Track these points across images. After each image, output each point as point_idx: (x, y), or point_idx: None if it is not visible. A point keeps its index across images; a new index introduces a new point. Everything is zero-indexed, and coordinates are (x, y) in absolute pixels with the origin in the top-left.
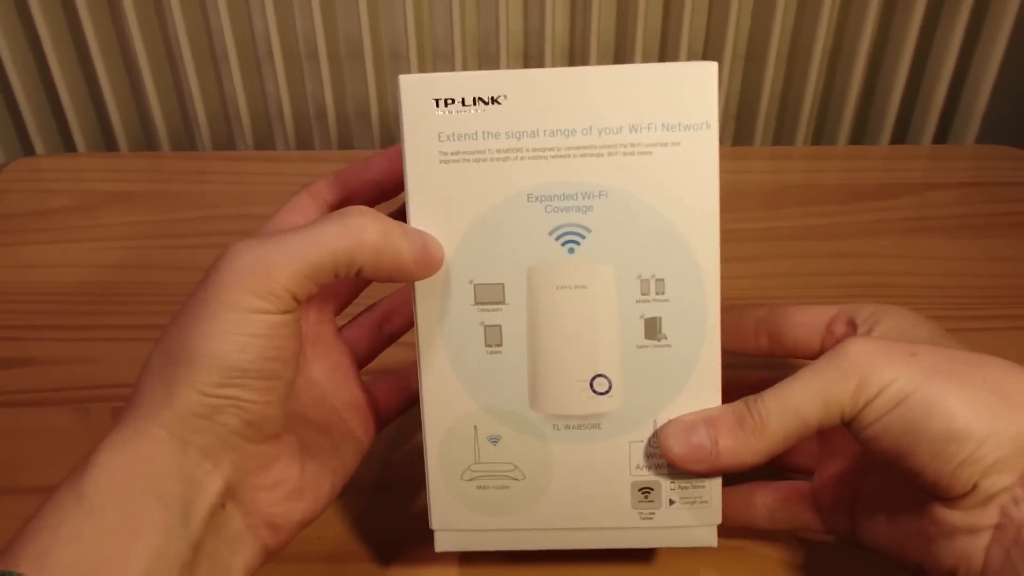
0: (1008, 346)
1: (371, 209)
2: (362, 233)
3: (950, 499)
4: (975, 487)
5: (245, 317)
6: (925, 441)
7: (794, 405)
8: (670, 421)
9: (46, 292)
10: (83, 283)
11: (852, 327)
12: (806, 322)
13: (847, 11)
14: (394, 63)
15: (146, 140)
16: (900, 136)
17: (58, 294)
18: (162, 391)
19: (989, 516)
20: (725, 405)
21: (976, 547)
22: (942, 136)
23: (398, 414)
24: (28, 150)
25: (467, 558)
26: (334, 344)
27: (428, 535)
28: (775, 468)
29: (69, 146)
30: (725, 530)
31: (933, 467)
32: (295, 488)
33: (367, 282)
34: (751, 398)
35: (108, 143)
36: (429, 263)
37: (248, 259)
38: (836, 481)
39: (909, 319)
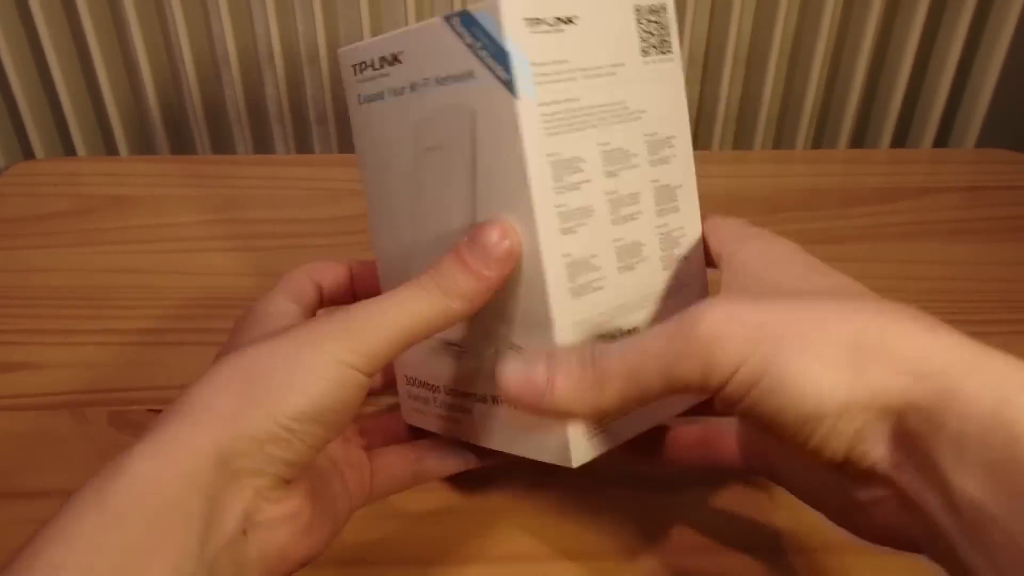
0: (1008, 350)
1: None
2: (450, 301)
3: (835, 469)
4: (846, 459)
5: (339, 369)
6: (784, 423)
7: (636, 371)
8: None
9: (44, 296)
10: (81, 287)
11: (719, 257)
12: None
13: (848, 15)
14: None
15: (145, 144)
16: (900, 140)
17: (56, 298)
18: (234, 405)
19: (881, 487)
20: (573, 348)
21: (888, 518)
22: (943, 140)
23: (395, 490)
24: (27, 154)
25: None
26: None
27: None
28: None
29: (68, 150)
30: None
31: (797, 443)
32: (307, 524)
33: None
34: (601, 346)
35: (107, 147)
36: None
37: (347, 317)
38: (753, 431)
39: (778, 261)
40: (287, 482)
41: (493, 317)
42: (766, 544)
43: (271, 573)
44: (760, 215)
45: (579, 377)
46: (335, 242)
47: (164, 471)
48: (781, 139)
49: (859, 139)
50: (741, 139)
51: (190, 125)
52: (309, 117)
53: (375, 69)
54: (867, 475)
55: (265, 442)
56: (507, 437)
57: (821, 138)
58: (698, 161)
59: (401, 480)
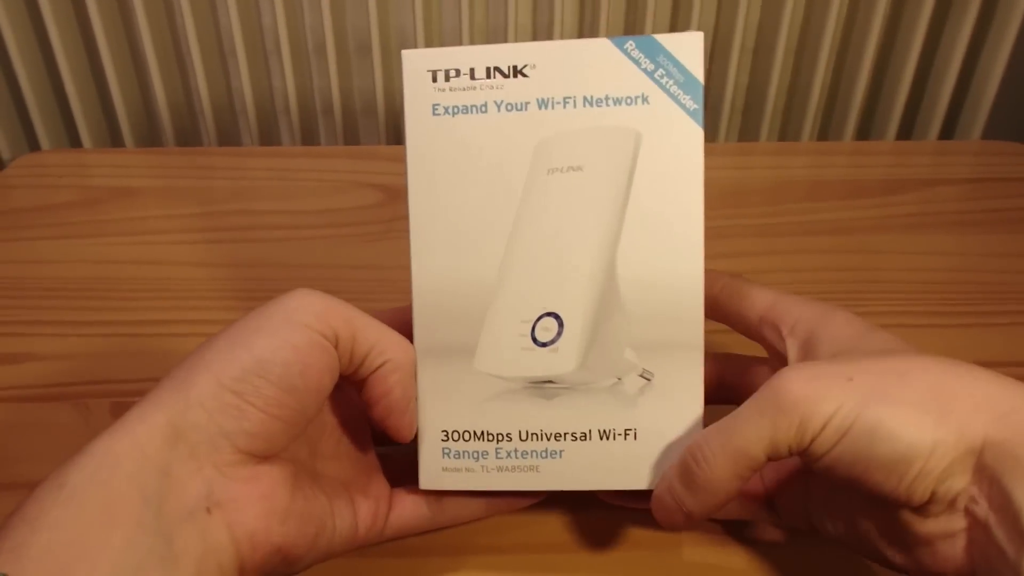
0: (1013, 342)
1: None
2: (406, 353)
3: (912, 508)
4: (933, 495)
5: (289, 326)
6: (876, 466)
7: (742, 448)
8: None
9: (50, 287)
10: (87, 278)
11: (777, 334)
12: (747, 312)
13: (856, 6)
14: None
15: (152, 136)
16: (906, 132)
17: (62, 289)
18: (182, 374)
19: (958, 520)
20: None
21: (956, 551)
22: (948, 132)
23: (411, 532)
24: (34, 145)
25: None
26: (355, 413)
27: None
28: None
29: (75, 141)
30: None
31: (889, 486)
32: (282, 510)
33: (373, 418)
34: (695, 444)
35: (114, 138)
36: (408, 431)
37: (314, 295)
38: (785, 482)
39: (834, 326)
40: (254, 457)
41: (615, 346)
42: (776, 533)
43: (243, 557)
44: (765, 207)
45: (702, 499)
46: (341, 233)
47: (118, 446)
48: (787, 131)
49: (865, 131)
50: (746, 130)
51: (197, 117)
52: (315, 109)
53: (476, 79)
54: (948, 510)
55: (214, 411)
56: (589, 473)
57: (827, 130)
58: (705, 153)
59: (417, 522)
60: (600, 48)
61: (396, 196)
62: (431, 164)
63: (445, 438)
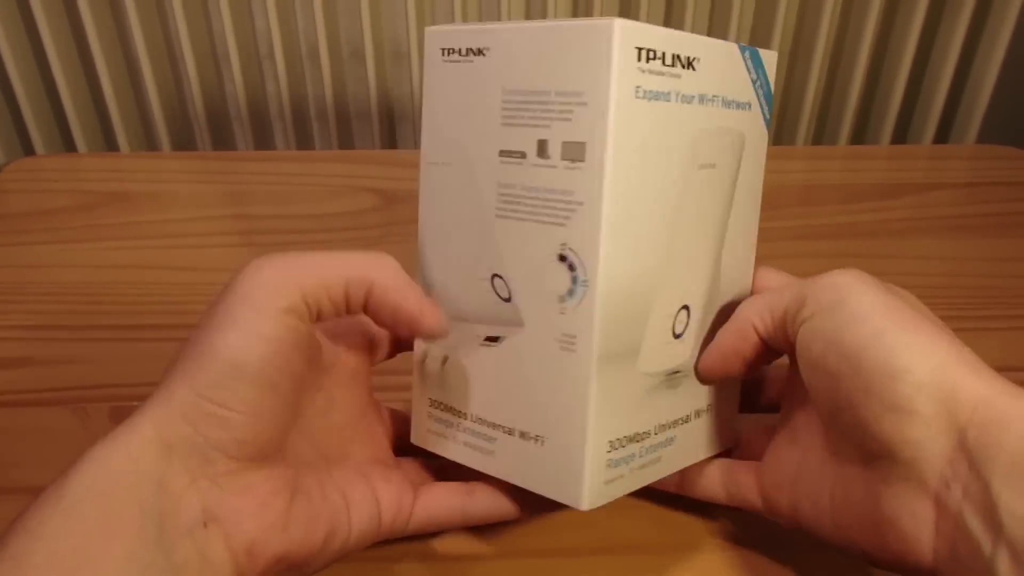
0: (1009, 346)
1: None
2: (382, 266)
3: (877, 459)
4: (903, 449)
5: (256, 316)
6: (868, 369)
7: (744, 329)
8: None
9: (45, 292)
10: (82, 283)
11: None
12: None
13: (848, 11)
14: (395, 63)
15: (146, 140)
16: (901, 136)
17: (57, 294)
18: (163, 387)
19: (925, 500)
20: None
21: (923, 535)
22: (943, 136)
23: (440, 526)
24: (28, 150)
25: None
26: (368, 408)
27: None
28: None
29: (70, 146)
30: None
31: (868, 399)
32: (280, 519)
33: (404, 338)
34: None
35: (108, 143)
36: (433, 321)
37: (269, 266)
38: (779, 461)
39: (879, 293)
40: (250, 462)
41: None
42: (786, 536)
43: (242, 570)
44: (761, 211)
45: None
46: (336, 237)
47: (114, 458)
48: (782, 135)
49: (860, 135)
50: None
51: (191, 121)
52: (310, 113)
53: (666, 65)
54: (912, 477)
55: (198, 422)
56: (524, 472)
57: (822, 134)
58: None
59: (448, 515)
60: (733, 53)
61: (392, 200)
62: (633, 151)
63: (430, 404)
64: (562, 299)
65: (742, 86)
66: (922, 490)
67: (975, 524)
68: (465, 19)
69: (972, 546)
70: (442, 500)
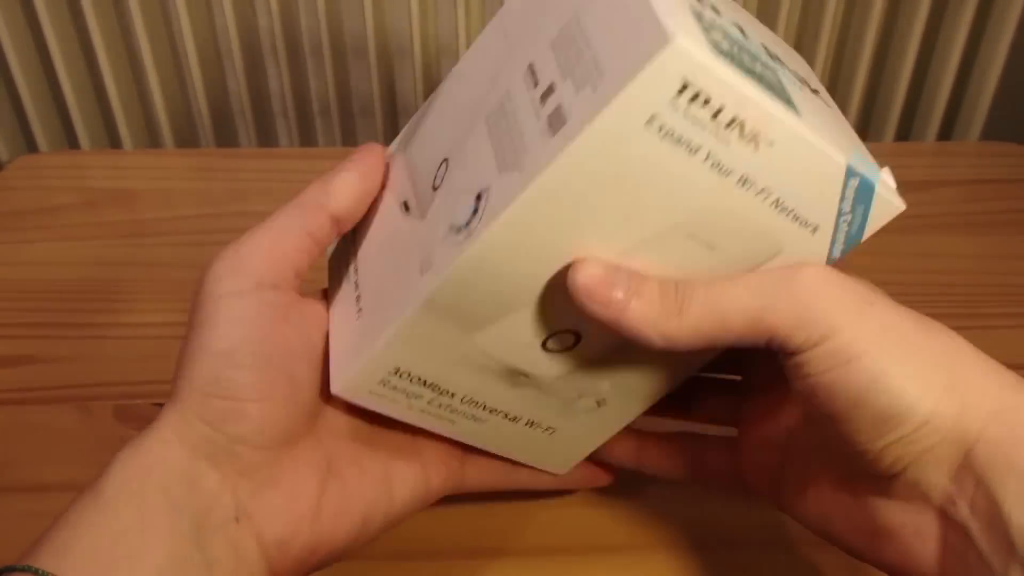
0: (1014, 345)
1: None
2: (332, 192)
3: (875, 477)
4: (904, 471)
5: (219, 303)
6: (866, 414)
7: (723, 308)
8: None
9: (48, 290)
10: (85, 280)
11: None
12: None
13: (851, 8)
14: (399, 59)
15: (149, 137)
16: (904, 133)
17: (60, 291)
18: (173, 394)
19: (929, 518)
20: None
21: (927, 551)
22: (947, 133)
23: (488, 486)
24: (31, 147)
25: None
26: None
27: None
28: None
29: (72, 143)
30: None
31: (866, 439)
32: (309, 510)
33: None
34: (683, 282)
35: (112, 140)
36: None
37: (227, 253)
38: (760, 445)
39: (864, 317)
40: (279, 449)
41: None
42: (789, 537)
43: (273, 565)
44: None
45: (658, 304)
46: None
47: (146, 458)
48: None
49: (863, 133)
50: None
51: (193, 118)
52: (313, 110)
53: (715, 119)
54: (915, 499)
55: (215, 421)
56: (508, 445)
57: None
58: None
59: (495, 474)
60: (830, 166)
61: None
62: (601, 170)
63: (393, 373)
64: (450, 228)
65: (819, 205)
66: (925, 506)
67: (984, 542)
68: (468, 15)
69: (981, 564)
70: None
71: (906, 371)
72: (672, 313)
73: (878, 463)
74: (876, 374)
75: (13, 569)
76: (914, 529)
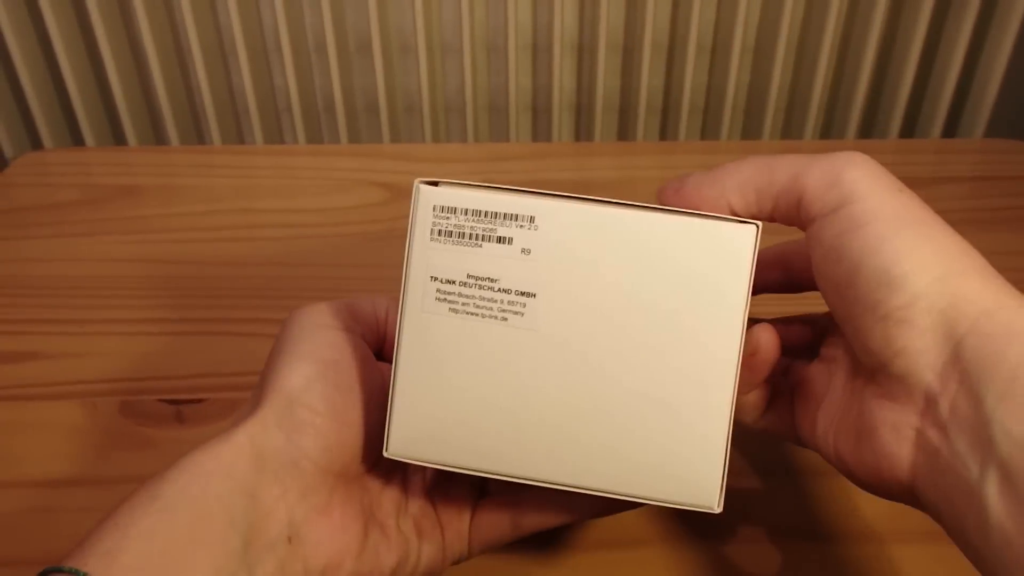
0: None
1: None
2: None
3: (869, 371)
4: (892, 361)
5: (316, 329)
6: (863, 280)
7: (767, 163)
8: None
9: (53, 286)
10: (90, 277)
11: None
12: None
13: (856, 4)
14: (403, 56)
15: (154, 134)
16: (909, 130)
17: (65, 288)
18: (255, 400)
19: (910, 417)
20: None
21: (900, 449)
22: (951, 130)
23: (495, 544)
24: (36, 144)
25: None
26: None
27: None
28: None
29: (77, 140)
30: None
31: (861, 309)
32: (355, 543)
33: None
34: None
35: (116, 137)
36: None
37: (313, 304)
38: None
39: (887, 192)
40: (334, 478)
41: None
42: (801, 530)
43: None
44: None
45: (707, 173)
46: (344, 231)
47: (209, 464)
48: (789, 129)
49: (867, 129)
50: (749, 130)
51: (198, 115)
52: (318, 107)
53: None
54: (899, 396)
55: (291, 431)
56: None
57: (829, 128)
58: (707, 152)
59: (500, 532)
60: None
61: (399, 194)
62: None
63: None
64: None
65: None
66: (908, 403)
67: (961, 443)
68: (472, 14)
69: (956, 465)
70: (494, 520)
71: (907, 246)
72: (718, 179)
73: (871, 342)
74: (879, 241)
75: (60, 570)
76: (892, 425)
